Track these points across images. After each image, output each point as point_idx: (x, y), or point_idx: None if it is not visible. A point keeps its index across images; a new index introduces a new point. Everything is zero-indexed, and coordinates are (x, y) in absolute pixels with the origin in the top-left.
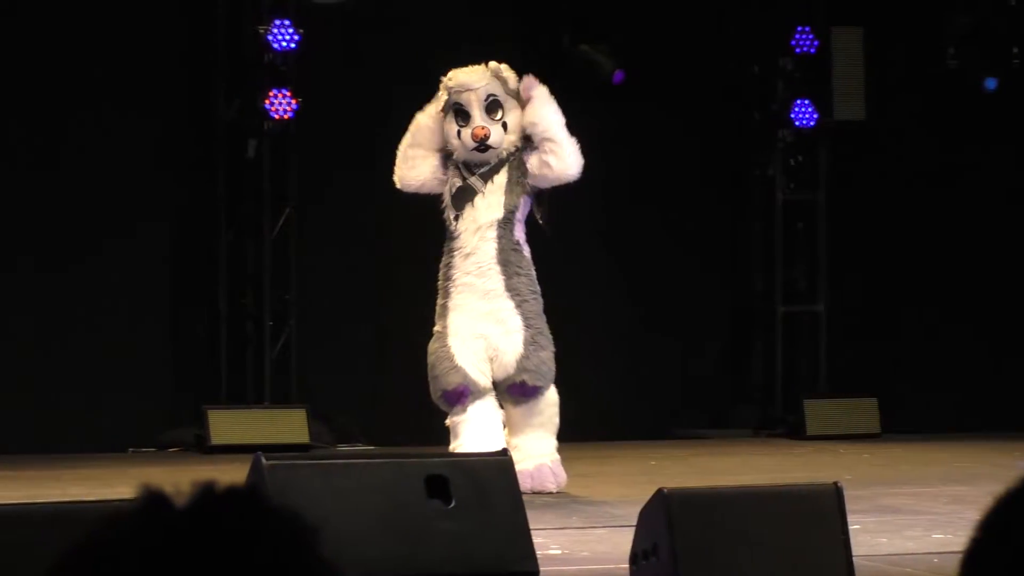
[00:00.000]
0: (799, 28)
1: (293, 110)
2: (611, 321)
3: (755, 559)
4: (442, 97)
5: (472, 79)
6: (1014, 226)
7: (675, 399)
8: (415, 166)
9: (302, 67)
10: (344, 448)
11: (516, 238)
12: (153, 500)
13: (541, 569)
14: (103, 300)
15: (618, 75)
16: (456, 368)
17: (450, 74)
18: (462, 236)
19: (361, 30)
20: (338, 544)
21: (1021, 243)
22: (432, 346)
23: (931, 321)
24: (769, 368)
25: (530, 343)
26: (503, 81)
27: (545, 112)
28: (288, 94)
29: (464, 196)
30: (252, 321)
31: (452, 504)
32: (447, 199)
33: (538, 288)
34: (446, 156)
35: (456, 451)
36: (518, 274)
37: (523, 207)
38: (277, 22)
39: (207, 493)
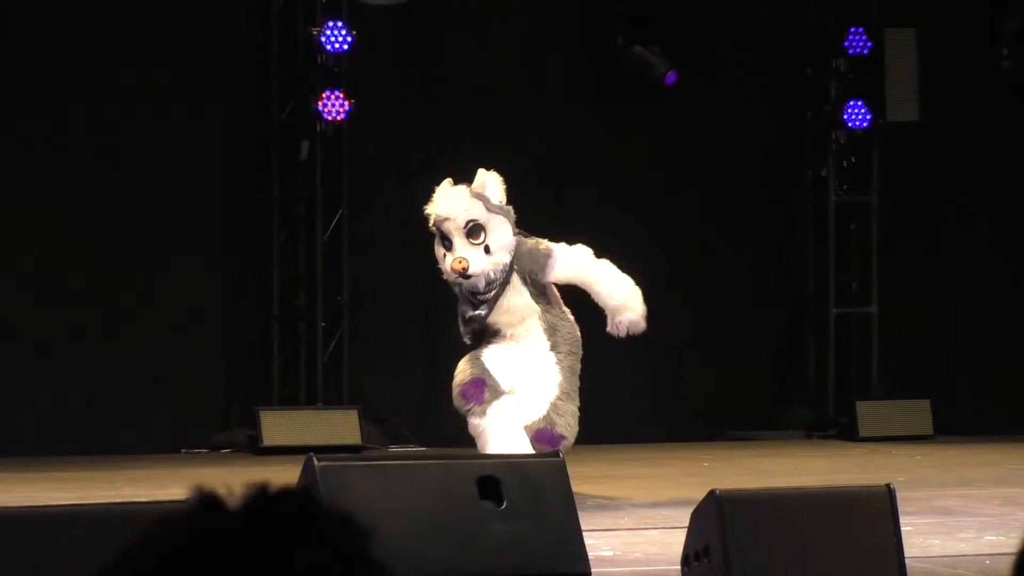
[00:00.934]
0: (852, 29)
1: (346, 111)
2: (664, 323)
3: (807, 560)
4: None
5: (450, 207)
6: None
7: (728, 401)
8: None
9: (355, 68)
10: (396, 449)
11: (559, 308)
12: (206, 501)
13: (593, 570)
14: (156, 302)
15: (671, 76)
16: (479, 362)
17: (432, 202)
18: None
19: (414, 31)
20: (390, 545)
21: None
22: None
23: (984, 323)
24: (822, 370)
25: (564, 393)
26: (485, 200)
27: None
28: (341, 95)
29: (476, 321)
30: (305, 323)
31: (504, 505)
32: (460, 321)
33: (578, 348)
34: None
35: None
36: (561, 335)
37: (552, 288)
38: (330, 23)
39: (260, 494)
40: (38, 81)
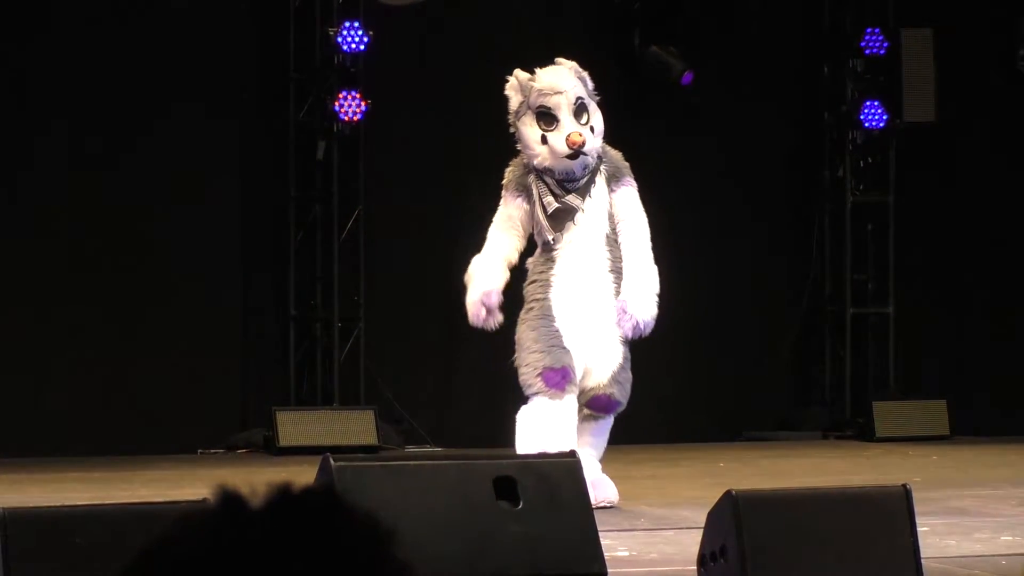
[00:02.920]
0: (869, 29)
1: (362, 112)
2: (680, 323)
3: (823, 561)
4: (516, 98)
5: (561, 81)
6: None
7: (744, 401)
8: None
9: (371, 69)
10: (412, 449)
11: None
12: (229, 500)
13: (609, 571)
14: (172, 301)
15: (687, 76)
16: (566, 350)
17: (536, 75)
18: (565, 252)
19: (430, 31)
20: (406, 546)
21: None
22: (531, 321)
23: (1000, 322)
24: (838, 370)
25: (625, 360)
26: (584, 81)
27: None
28: (357, 96)
29: (563, 216)
30: (321, 323)
31: (520, 506)
32: (543, 220)
33: None
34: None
35: (531, 440)
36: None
37: None
38: (347, 23)
39: (284, 494)
40: (50, 81)
